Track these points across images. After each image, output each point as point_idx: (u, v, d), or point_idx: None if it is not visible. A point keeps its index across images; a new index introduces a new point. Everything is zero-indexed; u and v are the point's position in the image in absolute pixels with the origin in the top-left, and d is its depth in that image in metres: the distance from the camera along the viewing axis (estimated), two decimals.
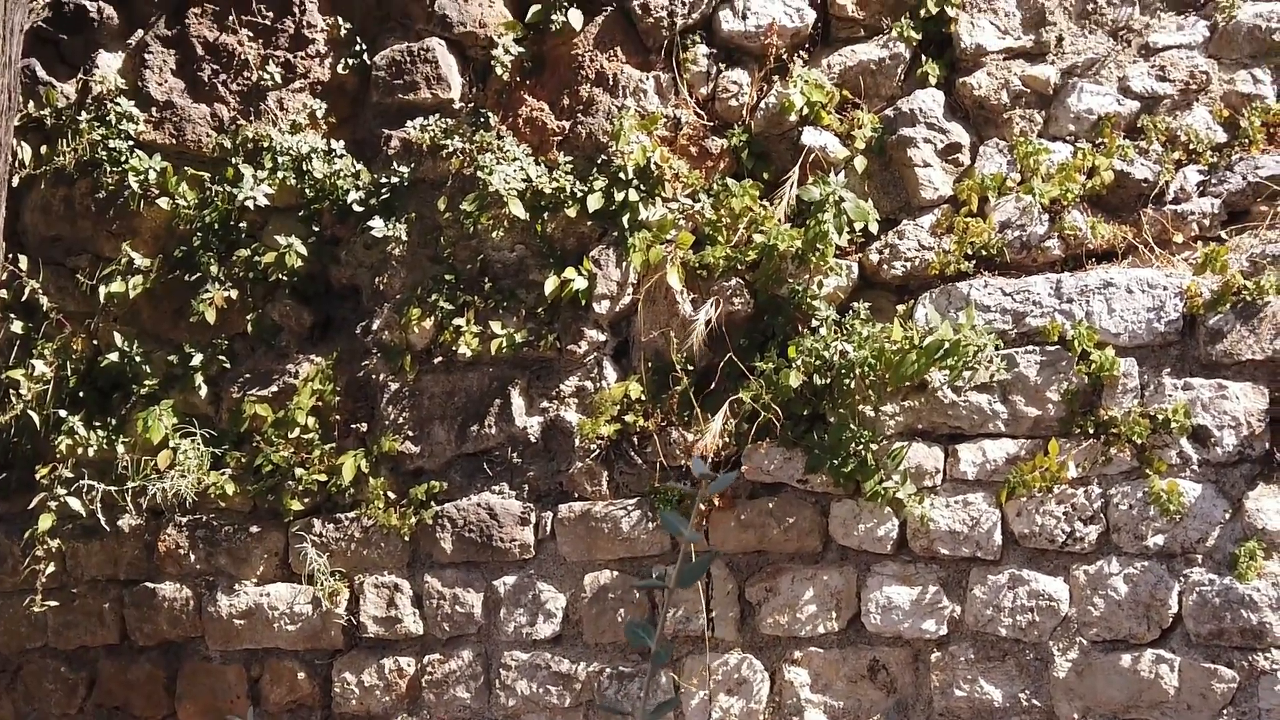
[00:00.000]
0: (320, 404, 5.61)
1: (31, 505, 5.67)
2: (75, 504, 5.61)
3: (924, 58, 5.33)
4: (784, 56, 5.39)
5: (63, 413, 5.71)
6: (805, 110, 5.29)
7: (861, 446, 5.03)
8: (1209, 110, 5.14)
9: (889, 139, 5.28)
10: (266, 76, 5.68)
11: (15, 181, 5.71)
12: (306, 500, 5.61)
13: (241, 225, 5.66)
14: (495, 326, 5.44)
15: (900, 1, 5.34)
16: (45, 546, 5.69)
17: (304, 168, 5.57)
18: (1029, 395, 5.00)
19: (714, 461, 5.20)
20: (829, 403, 5.11)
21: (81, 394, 5.77)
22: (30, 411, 5.65)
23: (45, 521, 5.63)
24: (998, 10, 5.28)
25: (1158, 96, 5.16)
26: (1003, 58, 5.28)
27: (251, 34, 5.73)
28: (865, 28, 5.39)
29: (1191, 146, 5.11)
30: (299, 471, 5.55)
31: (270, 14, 5.72)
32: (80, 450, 5.66)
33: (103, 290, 5.66)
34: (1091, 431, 4.94)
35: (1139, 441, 4.88)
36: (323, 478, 5.56)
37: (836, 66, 5.37)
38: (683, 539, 2.57)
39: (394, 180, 5.55)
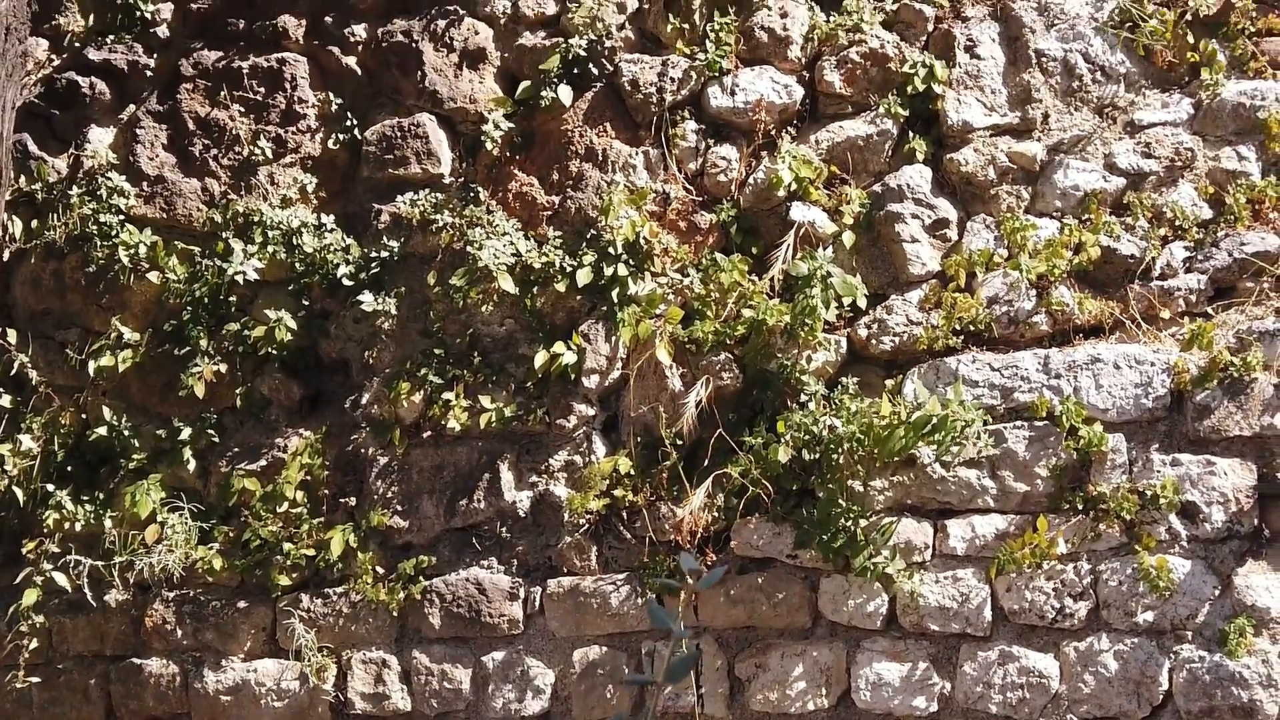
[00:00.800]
0: (309, 478, 5.76)
1: (17, 580, 5.80)
2: (61, 579, 5.74)
3: (911, 134, 5.52)
4: (772, 132, 5.58)
5: (50, 487, 5.85)
6: (794, 185, 5.47)
7: (851, 522, 5.18)
8: (1194, 187, 5.34)
9: (877, 214, 5.47)
10: (257, 151, 5.88)
11: (5, 255, 5.94)
12: (294, 575, 5.74)
13: (231, 299, 5.83)
14: (484, 400, 5.60)
15: (887, 78, 5.54)
16: (30, 622, 5.80)
17: (294, 242, 5.75)
18: (1018, 471, 5.15)
19: (702, 536, 5.35)
20: (818, 478, 5.25)
21: (69, 468, 5.91)
22: (15, 487, 5.80)
23: (30, 597, 5.77)
24: (984, 87, 5.49)
25: (1143, 173, 5.36)
26: (989, 134, 5.48)
27: (243, 109, 5.93)
28: (853, 104, 5.59)
29: (1177, 223, 5.30)
30: (287, 546, 5.69)
31: (262, 90, 5.93)
32: (67, 525, 5.80)
33: (92, 364, 5.82)
34: (1080, 507, 5.09)
35: (1128, 517, 5.02)
36: (311, 552, 5.70)
37: (824, 142, 5.56)
38: (673, 632, 2.67)
39: (384, 254, 5.73)
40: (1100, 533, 5.06)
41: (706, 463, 5.37)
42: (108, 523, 5.79)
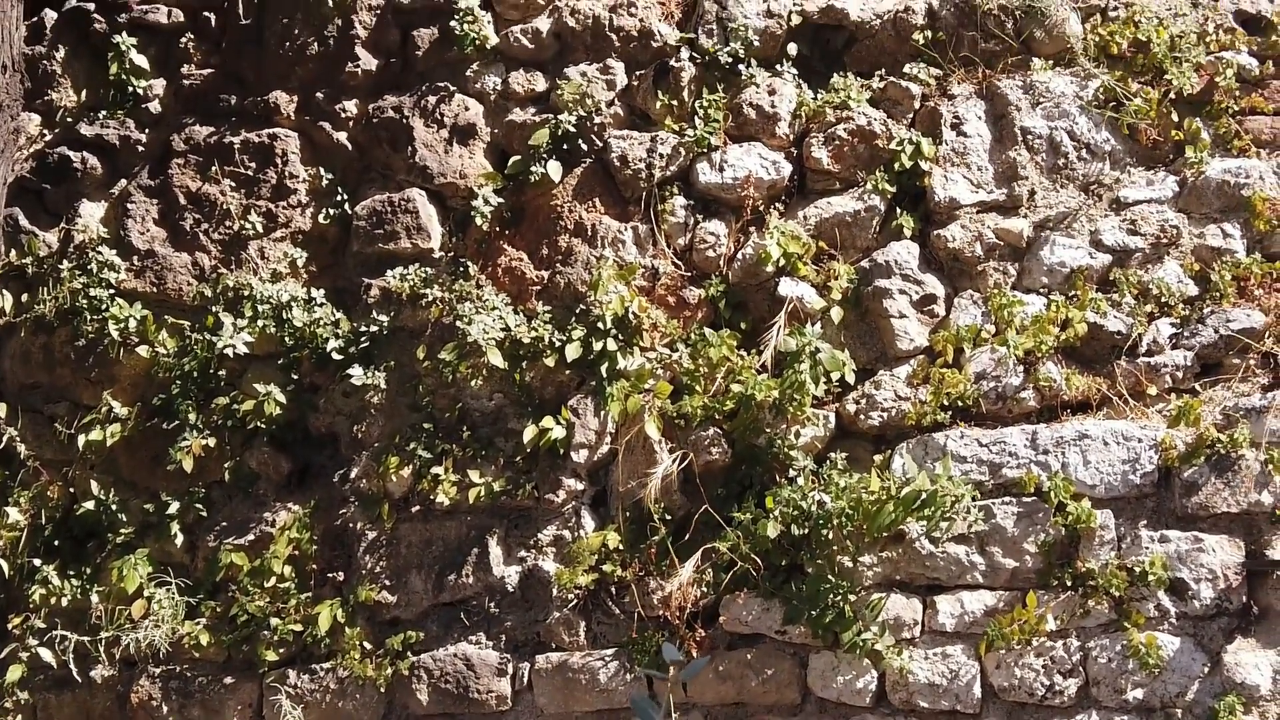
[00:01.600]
0: (297, 552, 5.87)
1: (1, 656, 5.91)
2: (47, 655, 5.84)
3: (899, 210, 5.70)
4: (761, 208, 5.76)
5: (37, 561, 5.97)
6: (782, 261, 5.64)
7: (840, 597, 5.30)
8: (1180, 264, 5.51)
9: (865, 290, 5.63)
10: (248, 226, 6.04)
11: None
12: (282, 650, 5.84)
13: (221, 373, 5.97)
14: (473, 475, 5.72)
15: (874, 155, 5.72)
16: (14, 698, 5.90)
17: (284, 316, 5.91)
18: (1006, 547, 5.27)
19: (691, 611, 5.45)
20: (807, 553, 5.38)
21: (56, 542, 6.03)
22: (2, 561, 5.92)
23: (15, 672, 5.87)
24: (970, 165, 5.66)
25: (1129, 250, 5.53)
26: (976, 211, 5.65)
27: (234, 184, 6.11)
28: (840, 180, 5.76)
29: (1163, 299, 5.46)
30: (274, 621, 5.79)
31: (253, 165, 6.10)
32: (54, 600, 5.92)
33: (81, 438, 5.96)
34: (1069, 584, 5.21)
35: (1117, 594, 5.15)
36: (298, 628, 5.80)
37: (813, 218, 5.73)
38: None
39: (373, 329, 5.88)
40: (1089, 609, 5.18)
41: (695, 538, 5.49)
42: (94, 598, 5.90)
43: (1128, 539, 5.19)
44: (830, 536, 5.32)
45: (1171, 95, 5.62)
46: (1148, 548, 5.16)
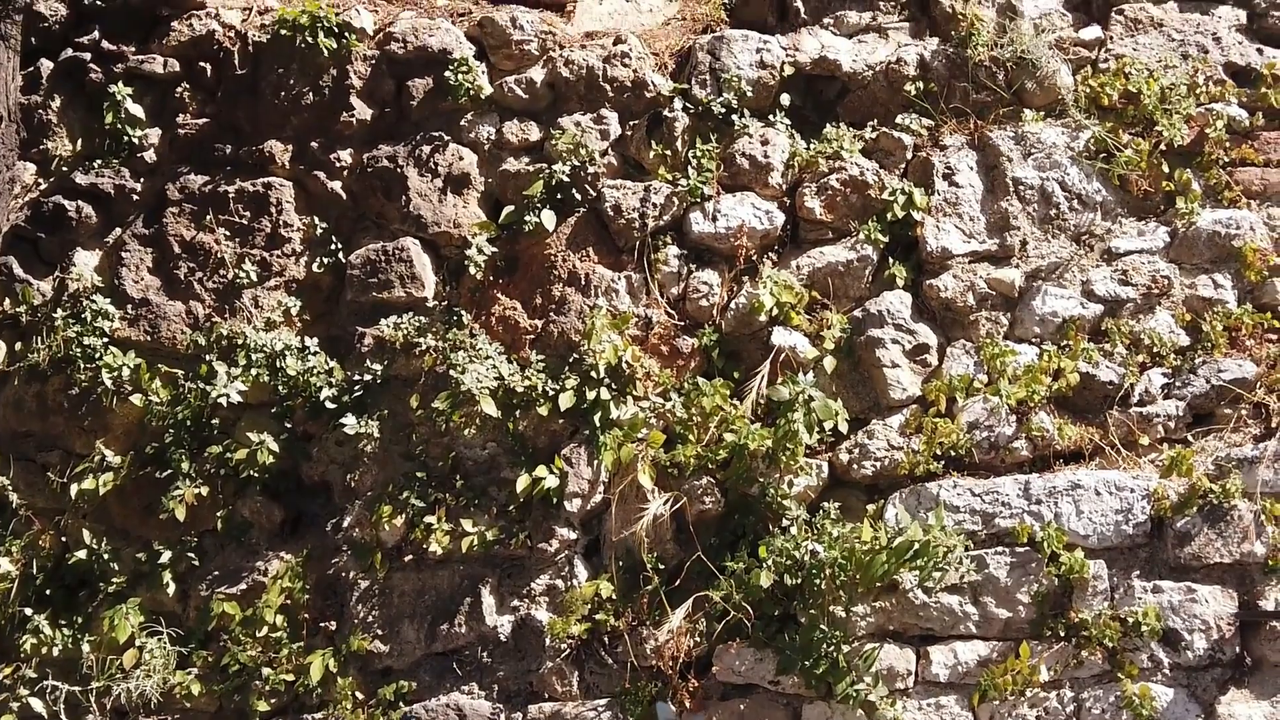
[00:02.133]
0: (289, 602, 5.92)
1: None
2: (37, 705, 5.88)
3: (891, 260, 5.79)
4: (754, 258, 5.85)
5: (28, 611, 6.01)
6: (775, 310, 5.72)
7: (833, 648, 5.34)
8: (1171, 314, 5.60)
9: (858, 339, 5.71)
10: (242, 274, 6.13)
11: None
12: (273, 700, 5.88)
13: (214, 422, 6.04)
14: (466, 524, 5.79)
15: (867, 205, 5.82)
16: None
17: (277, 365, 5.99)
18: (999, 597, 5.33)
19: (684, 661, 5.50)
20: (800, 603, 5.43)
21: (48, 591, 6.07)
22: None
23: None
24: (963, 215, 5.76)
25: (1120, 300, 5.62)
26: (968, 261, 5.74)
27: (228, 233, 6.20)
28: (833, 230, 5.86)
29: (1155, 349, 5.55)
30: (266, 671, 5.84)
31: (247, 214, 6.19)
32: (45, 649, 5.96)
33: (73, 487, 6.02)
34: (1062, 634, 5.26)
35: (1110, 645, 5.20)
36: (290, 677, 5.84)
37: (805, 268, 5.82)
38: None
39: (367, 377, 5.95)
40: (1083, 660, 5.23)
41: (688, 587, 5.54)
42: (85, 647, 5.94)
43: (1121, 589, 5.25)
44: (823, 586, 5.37)
45: (1162, 146, 5.73)
46: (1141, 598, 5.22)
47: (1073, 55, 5.90)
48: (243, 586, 5.98)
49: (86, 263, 6.30)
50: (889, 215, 5.78)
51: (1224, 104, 5.79)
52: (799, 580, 5.40)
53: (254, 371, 5.99)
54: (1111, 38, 5.96)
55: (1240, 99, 5.82)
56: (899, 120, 5.92)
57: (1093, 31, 5.96)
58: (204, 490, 5.97)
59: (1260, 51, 5.88)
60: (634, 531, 5.58)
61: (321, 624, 5.93)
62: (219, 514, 6.03)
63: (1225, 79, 5.85)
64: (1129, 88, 5.80)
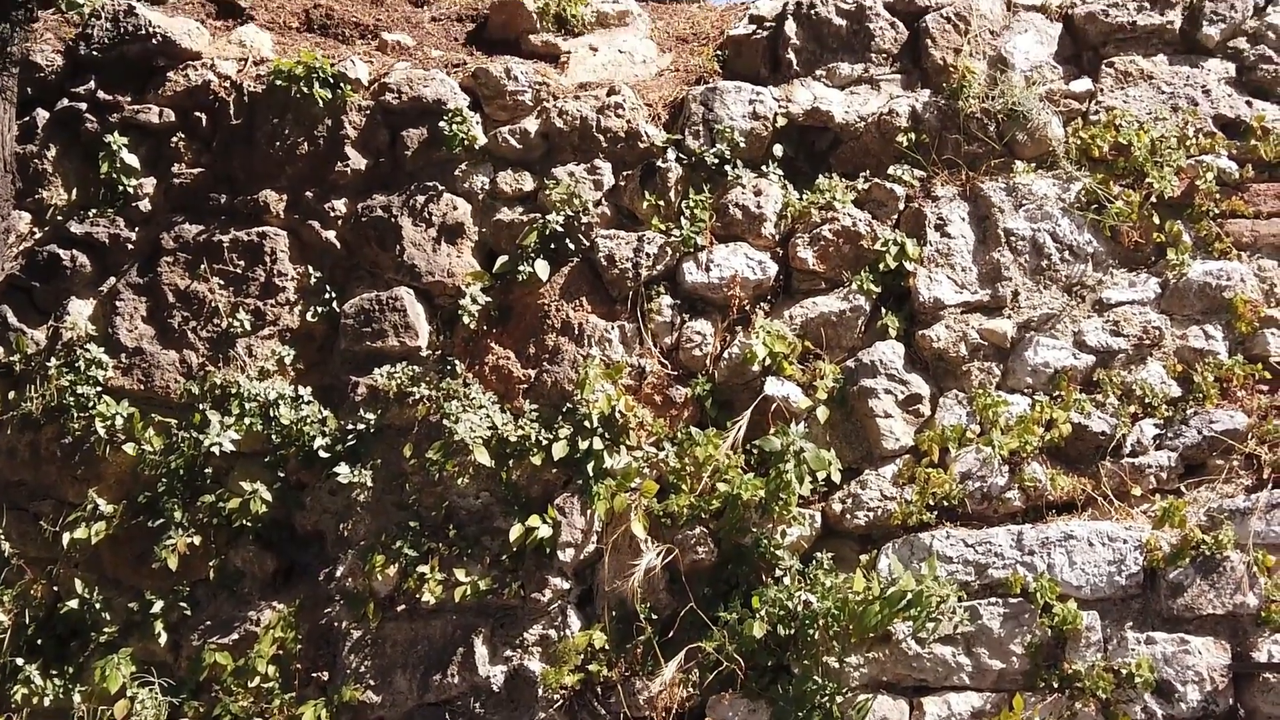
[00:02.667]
0: (281, 652, 5.95)
1: None
2: None
3: (884, 310, 5.86)
4: (747, 308, 5.92)
5: (19, 660, 6.04)
6: (768, 360, 5.78)
7: (826, 698, 5.37)
8: (1163, 365, 5.66)
9: (850, 389, 5.77)
10: (236, 324, 6.19)
11: None
12: None
13: (207, 471, 6.08)
14: (459, 574, 5.82)
15: (859, 256, 5.89)
16: None
17: (271, 414, 6.04)
18: (993, 648, 5.37)
19: (677, 713, 5.52)
20: (793, 653, 5.46)
21: (39, 641, 6.10)
22: None
23: None
24: (955, 265, 5.83)
25: (1112, 351, 5.69)
26: (960, 311, 5.81)
27: (222, 282, 6.26)
28: (826, 280, 5.93)
29: (1147, 400, 5.61)
30: None
31: (242, 263, 6.26)
32: (36, 700, 5.97)
33: (66, 536, 6.05)
34: (1056, 685, 5.30)
35: (1104, 696, 5.23)
36: None
37: (798, 318, 5.88)
38: None
39: (360, 427, 6.00)
40: (1076, 711, 5.25)
41: (681, 637, 5.57)
42: (76, 697, 5.96)
43: (1114, 640, 5.29)
44: (816, 637, 5.41)
45: (1153, 198, 5.81)
46: (1134, 649, 5.25)
47: (1064, 107, 5.99)
48: (235, 636, 6.00)
49: (81, 311, 6.35)
50: (881, 266, 5.85)
51: (1214, 156, 5.87)
52: (792, 631, 5.43)
53: (247, 420, 6.04)
54: (1102, 90, 6.04)
55: (1230, 151, 5.90)
56: (891, 171, 6.00)
57: (1083, 84, 6.05)
58: (196, 539, 6.01)
59: (1249, 104, 5.96)
60: (628, 584, 5.60)
61: (314, 674, 5.95)
62: (211, 563, 6.07)
63: (1215, 131, 5.94)
64: (1119, 140, 5.88)
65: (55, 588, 6.16)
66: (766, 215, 5.97)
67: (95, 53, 6.55)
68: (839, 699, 5.38)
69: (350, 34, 6.82)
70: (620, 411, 5.80)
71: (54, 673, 6.03)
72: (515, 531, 5.74)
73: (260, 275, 6.26)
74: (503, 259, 6.06)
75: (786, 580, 5.54)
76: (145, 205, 6.44)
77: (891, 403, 5.73)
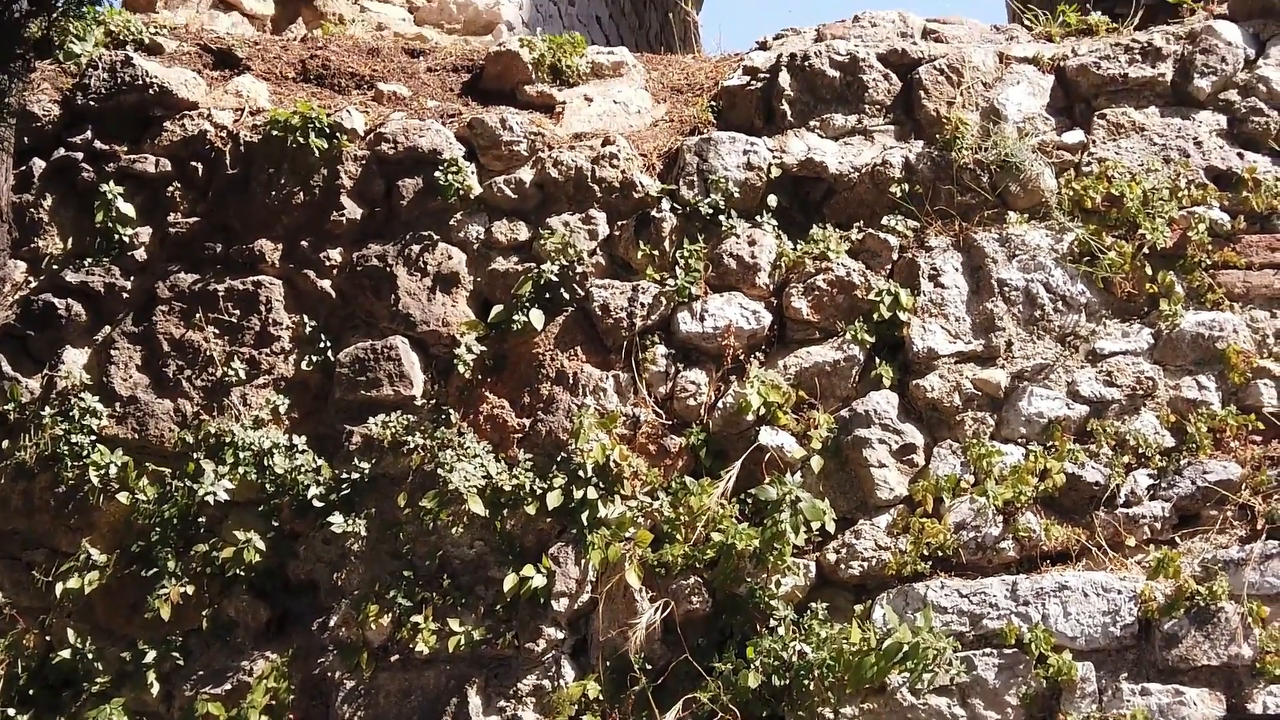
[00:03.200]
0: (274, 702, 5.94)
1: None
2: None
3: (878, 360, 5.90)
4: (741, 357, 5.97)
5: (11, 711, 6.04)
6: (762, 410, 5.82)
7: None
8: (1157, 415, 5.71)
9: (844, 439, 5.81)
10: (231, 372, 6.23)
11: None
12: None
13: (200, 520, 6.10)
14: (453, 624, 5.84)
15: (853, 305, 5.94)
16: None
17: (265, 463, 6.07)
18: (988, 699, 5.38)
19: None
20: (788, 704, 5.47)
21: (31, 691, 6.10)
22: None
23: None
24: (948, 315, 5.89)
25: (1106, 401, 5.73)
26: (954, 361, 5.86)
27: (217, 331, 6.30)
28: (820, 330, 5.98)
29: (1141, 450, 5.66)
30: None
31: (237, 311, 6.30)
32: None
33: (58, 586, 6.05)
34: None
35: None
36: None
37: (793, 367, 5.93)
38: None
39: (354, 476, 6.03)
40: None
41: (676, 688, 5.59)
42: None
43: (1109, 692, 5.31)
44: (811, 687, 5.43)
45: (1145, 249, 5.86)
46: (1129, 700, 5.28)
47: (1056, 158, 6.05)
48: (227, 686, 6.01)
49: (75, 360, 6.39)
50: (875, 316, 5.90)
51: (1206, 207, 5.93)
52: (787, 681, 5.45)
53: (241, 469, 6.06)
54: (1094, 141, 6.11)
55: (1222, 202, 5.95)
56: (885, 221, 6.06)
57: (1075, 135, 6.11)
58: (189, 589, 6.02)
59: (1241, 156, 6.03)
60: (627, 640, 5.63)
61: None
62: (204, 613, 6.07)
63: (1207, 183, 5.99)
64: (1112, 191, 5.94)
65: (48, 637, 6.16)
66: (761, 265, 6.02)
67: (92, 103, 6.61)
68: None
69: (346, 84, 6.89)
70: (615, 461, 5.84)
71: None
72: (509, 581, 5.76)
73: (255, 324, 6.30)
74: (497, 308, 6.11)
75: (781, 630, 5.56)
76: (141, 254, 6.49)
77: (885, 452, 5.77)
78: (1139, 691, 5.29)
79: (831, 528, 5.69)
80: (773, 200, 6.15)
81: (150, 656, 6.05)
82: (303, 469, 6.06)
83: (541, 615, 5.81)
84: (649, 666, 5.66)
